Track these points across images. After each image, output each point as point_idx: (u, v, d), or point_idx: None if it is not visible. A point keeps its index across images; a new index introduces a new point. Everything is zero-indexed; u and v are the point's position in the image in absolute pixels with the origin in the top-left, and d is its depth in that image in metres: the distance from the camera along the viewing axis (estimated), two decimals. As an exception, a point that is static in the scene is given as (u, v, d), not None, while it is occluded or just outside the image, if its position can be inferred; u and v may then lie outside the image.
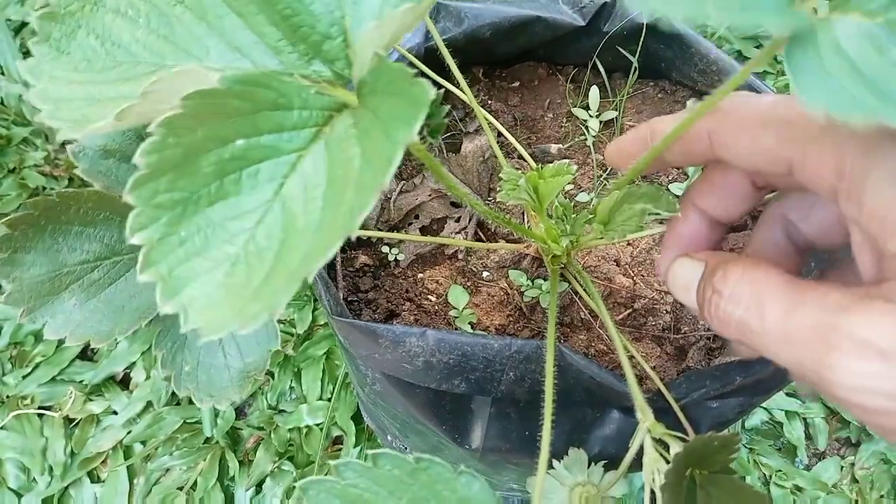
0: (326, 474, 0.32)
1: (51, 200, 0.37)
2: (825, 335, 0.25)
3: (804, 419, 0.85)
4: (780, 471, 0.82)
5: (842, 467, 0.83)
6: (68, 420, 0.90)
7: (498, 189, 0.45)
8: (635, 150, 0.39)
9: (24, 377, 0.92)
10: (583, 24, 0.64)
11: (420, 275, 0.62)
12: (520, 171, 0.47)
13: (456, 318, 0.57)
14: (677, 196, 0.63)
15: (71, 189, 0.37)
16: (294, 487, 0.85)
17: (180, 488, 0.86)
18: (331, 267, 0.58)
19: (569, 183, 0.67)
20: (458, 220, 0.65)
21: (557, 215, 0.51)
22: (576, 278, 0.58)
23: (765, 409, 0.86)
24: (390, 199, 0.64)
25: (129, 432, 0.89)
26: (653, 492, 0.44)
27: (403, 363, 0.49)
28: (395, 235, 0.53)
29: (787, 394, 0.87)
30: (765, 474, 0.83)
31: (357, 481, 0.33)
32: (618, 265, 0.61)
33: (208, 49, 0.35)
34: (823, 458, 0.85)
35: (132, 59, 0.35)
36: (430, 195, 0.64)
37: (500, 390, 0.49)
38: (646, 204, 0.43)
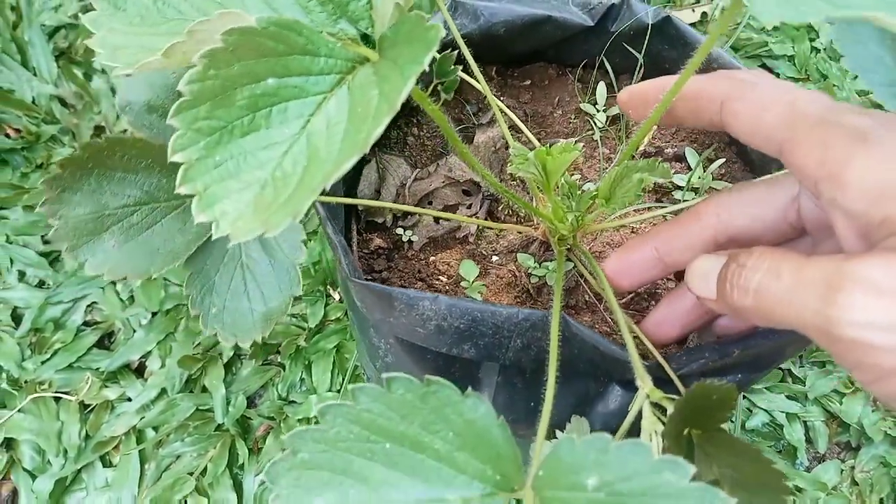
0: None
1: (99, 145, 0.40)
2: (834, 278, 0.28)
3: (804, 422, 0.86)
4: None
5: (842, 470, 0.84)
6: (83, 405, 0.93)
7: (509, 163, 0.48)
8: (650, 98, 0.42)
9: (42, 363, 0.94)
10: (591, 24, 0.67)
11: (432, 257, 0.65)
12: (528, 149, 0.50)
13: (466, 289, 0.59)
14: (682, 191, 0.65)
15: (119, 136, 0.40)
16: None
17: (190, 474, 0.87)
18: (345, 255, 0.61)
19: (576, 175, 0.69)
20: (469, 207, 0.68)
21: (564, 193, 0.54)
22: (581, 262, 0.61)
23: (765, 411, 0.87)
24: (405, 185, 0.67)
25: (142, 418, 0.91)
26: None
27: (416, 327, 0.51)
28: (410, 209, 0.56)
29: (788, 396, 0.88)
30: (766, 474, 0.83)
31: (371, 406, 0.35)
32: (622, 251, 0.64)
33: (247, 7, 0.39)
34: (823, 461, 0.86)
35: (180, 17, 0.39)
36: (443, 182, 0.67)
37: (508, 357, 0.51)
38: (643, 174, 0.46)
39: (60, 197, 0.40)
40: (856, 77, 1.10)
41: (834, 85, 1.10)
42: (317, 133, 0.33)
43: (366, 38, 0.39)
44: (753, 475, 0.38)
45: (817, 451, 0.87)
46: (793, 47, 1.15)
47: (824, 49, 1.15)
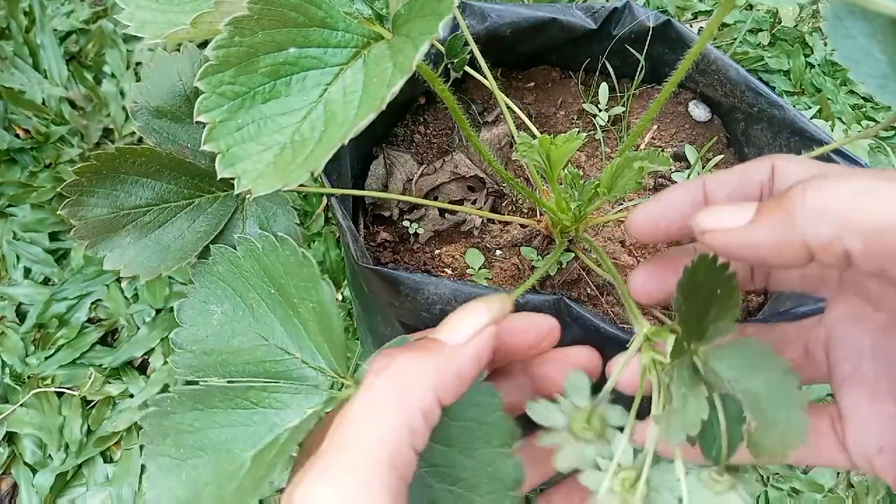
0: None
1: (110, 154, 0.43)
2: None
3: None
4: (778, 473, 0.83)
5: (838, 473, 0.85)
6: (85, 401, 0.93)
7: (514, 150, 0.50)
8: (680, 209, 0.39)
9: (45, 358, 0.95)
10: (594, 27, 0.69)
11: (437, 251, 0.66)
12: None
13: (472, 276, 0.61)
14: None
15: (128, 145, 0.43)
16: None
17: (190, 470, 0.88)
18: (354, 240, 0.62)
19: (578, 172, 0.71)
20: (473, 203, 0.69)
21: (567, 182, 0.55)
22: (584, 253, 0.62)
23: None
24: (412, 180, 0.69)
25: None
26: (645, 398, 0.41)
27: (421, 311, 0.52)
28: (417, 200, 0.58)
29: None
30: (762, 476, 0.84)
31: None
32: (623, 246, 0.65)
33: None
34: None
35: (205, -5, 0.41)
36: (449, 178, 0.69)
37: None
38: (643, 162, 0.47)
39: (79, 200, 0.43)
40: (850, 91, 1.13)
41: (828, 98, 1.12)
42: (334, 101, 0.35)
43: (380, 18, 0.40)
44: (764, 387, 0.33)
45: (814, 455, 0.87)
46: (788, 62, 1.17)
47: (818, 64, 1.17)
